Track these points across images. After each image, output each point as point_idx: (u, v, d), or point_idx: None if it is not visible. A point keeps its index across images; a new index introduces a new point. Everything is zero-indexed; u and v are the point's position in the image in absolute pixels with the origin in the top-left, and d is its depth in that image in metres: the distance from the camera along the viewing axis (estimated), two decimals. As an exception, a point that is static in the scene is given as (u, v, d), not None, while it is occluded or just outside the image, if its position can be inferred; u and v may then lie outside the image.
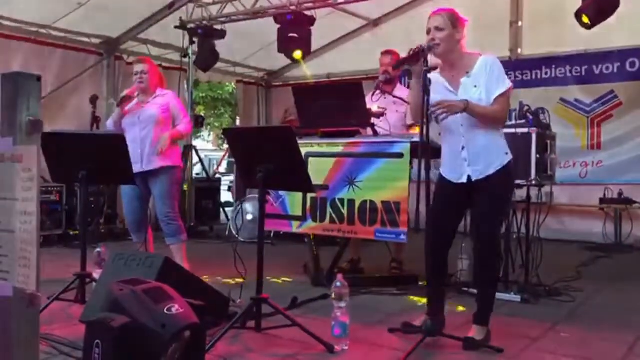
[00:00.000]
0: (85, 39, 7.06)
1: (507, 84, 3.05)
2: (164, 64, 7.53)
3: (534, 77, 7.57)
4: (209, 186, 8.19)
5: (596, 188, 6.71)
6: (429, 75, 2.92)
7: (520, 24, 7.41)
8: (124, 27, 7.14)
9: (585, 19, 5.15)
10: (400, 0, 6.97)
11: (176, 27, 7.04)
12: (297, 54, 6.53)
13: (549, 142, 4.24)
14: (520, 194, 4.18)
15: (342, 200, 4.24)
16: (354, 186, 4.20)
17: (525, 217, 4.26)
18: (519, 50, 7.35)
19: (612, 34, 6.25)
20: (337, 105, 4.24)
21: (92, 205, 6.55)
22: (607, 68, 7.00)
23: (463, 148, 3.06)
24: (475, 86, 3.03)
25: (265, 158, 3.00)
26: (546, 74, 7.43)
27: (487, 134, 3.06)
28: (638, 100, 6.69)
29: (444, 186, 3.14)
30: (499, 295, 3.62)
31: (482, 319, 3.03)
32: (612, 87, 6.94)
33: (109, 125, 4.55)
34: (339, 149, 4.31)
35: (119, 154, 3.51)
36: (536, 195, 4.25)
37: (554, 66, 7.34)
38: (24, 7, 6.11)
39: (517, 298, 3.92)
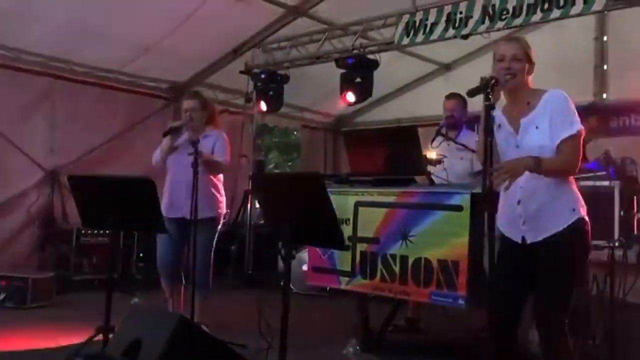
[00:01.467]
0: (152, 84, 7.45)
1: (577, 126, 2.53)
2: (230, 109, 7.99)
3: (621, 124, 6.82)
4: (269, 232, 8.24)
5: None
6: (493, 114, 2.45)
7: (605, 67, 7.04)
8: (190, 72, 7.54)
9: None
10: (474, 43, 6.98)
11: (241, 72, 7.39)
12: (350, 98, 6.60)
13: (636, 197, 3.77)
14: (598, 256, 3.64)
15: (394, 256, 3.83)
16: (407, 241, 3.79)
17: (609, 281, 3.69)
18: (604, 95, 6.91)
19: None
20: (390, 151, 3.97)
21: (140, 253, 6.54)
22: None
23: (519, 202, 2.58)
24: (537, 127, 2.56)
25: (292, 209, 2.72)
26: (636, 120, 6.79)
27: (551, 186, 2.55)
28: None
29: (504, 245, 2.64)
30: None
31: None
32: None
33: (154, 157, 4.46)
34: (392, 199, 3.92)
35: (146, 200, 3.26)
36: (621, 258, 3.69)
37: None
38: (94, 53, 6.53)
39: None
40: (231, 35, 6.99)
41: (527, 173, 2.51)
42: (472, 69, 7.99)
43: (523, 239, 2.60)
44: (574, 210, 2.57)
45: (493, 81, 2.47)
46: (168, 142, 4.32)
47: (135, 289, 5.85)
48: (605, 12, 5.31)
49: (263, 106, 7.48)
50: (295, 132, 18.20)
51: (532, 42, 2.86)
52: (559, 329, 2.53)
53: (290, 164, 21.30)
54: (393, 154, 3.99)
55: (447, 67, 8.54)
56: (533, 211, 2.54)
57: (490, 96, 2.44)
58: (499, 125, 2.64)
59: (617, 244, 3.59)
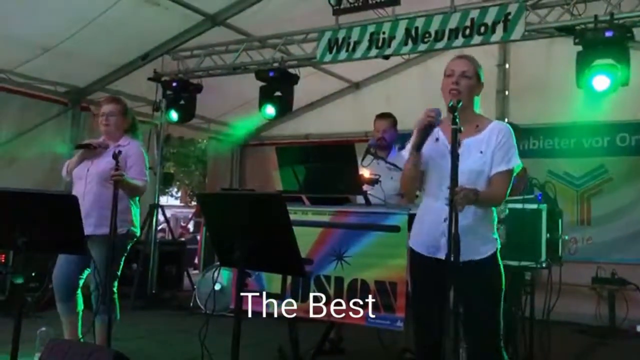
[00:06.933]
0: (49, 87, 6.78)
1: (514, 162, 2.66)
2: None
3: (520, 147, 6.96)
4: (174, 249, 7.86)
5: (586, 266, 6.34)
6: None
7: (506, 92, 7.40)
8: (92, 77, 6.95)
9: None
10: (382, 65, 7.02)
11: (149, 79, 6.93)
12: (269, 112, 6.39)
13: (560, 220, 3.88)
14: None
15: (328, 278, 3.73)
16: (342, 262, 3.71)
17: (530, 301, 3.87)
18: (506, 120, 6.99)
19: (602, 108, 6.17)
20: (325, 169, 3.88)
21: (32, 273, 5.79)
22: (597, 142, 6.93)
23: (445, 220, 2.44)
24: (481, 152, 2.63)
25: (246, 231, 2.52)
26: (534, 144, 7.23)
27: (478, 209, 2.59)
28: (629, 176, 6.65)
29: (419, 265, 2.65)
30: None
31: None
32: (602, 161, 6.87)
33: (63, 170, 4.08)
34: (326, 218, 3.83)
35: (69, 219, 2.88)
36: (546, 278, 3.82)
37: (542, 137, 7.20)
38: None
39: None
40: (141, 40, 6.58)
41: None
42: (380, 88, 8.19)
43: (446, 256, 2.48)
44: (495, 238, 2.66)
45: (460, 104, 2.46)
46: (77, 158, 3.96)
47: (31, 312, 5.27)
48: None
49: (174, 116, 7.13)
50: (197, 144, 17.73)
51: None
52: (498, 341, 2.62)
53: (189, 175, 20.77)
54: (328, 171, 3.87)
55: (356, 86, 8.60)
56: (461, 231, 2.39)
57: (457, 120, 2.40)
58: (437, 139, 2.64)
59: (544, 264, 3.68)
